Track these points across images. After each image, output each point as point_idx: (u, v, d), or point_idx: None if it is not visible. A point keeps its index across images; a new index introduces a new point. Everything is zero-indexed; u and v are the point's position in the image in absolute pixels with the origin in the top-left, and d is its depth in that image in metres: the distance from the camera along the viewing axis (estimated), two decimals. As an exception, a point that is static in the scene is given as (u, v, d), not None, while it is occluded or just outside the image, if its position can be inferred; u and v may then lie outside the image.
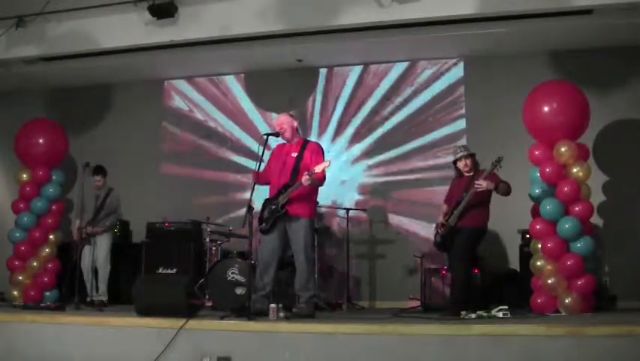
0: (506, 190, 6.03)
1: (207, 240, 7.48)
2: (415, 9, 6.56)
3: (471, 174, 6.22)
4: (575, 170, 6.29)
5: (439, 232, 6.22)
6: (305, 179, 5.58)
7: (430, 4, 6.54)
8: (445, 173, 6.77)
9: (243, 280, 6.41)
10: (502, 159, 6.02)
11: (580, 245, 6.15)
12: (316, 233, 7.04)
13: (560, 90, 6.57)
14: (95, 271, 7.17)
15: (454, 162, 6.33)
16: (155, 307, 5.38)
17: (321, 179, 5.75)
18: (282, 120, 5.97)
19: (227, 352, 4.79)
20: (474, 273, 6.50)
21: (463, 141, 7.59)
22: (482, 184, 5.91)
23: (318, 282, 7.03)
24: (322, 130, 8.47)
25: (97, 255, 7.11)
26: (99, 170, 7.41)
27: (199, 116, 8.94)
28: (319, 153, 5.88)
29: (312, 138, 8.17)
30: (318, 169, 5.61)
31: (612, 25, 6.90)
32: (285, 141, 6.03)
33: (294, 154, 5.88)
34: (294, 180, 5.74)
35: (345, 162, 8.30)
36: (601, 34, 7.20)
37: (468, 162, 6.23)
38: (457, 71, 8.17)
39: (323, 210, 7.86)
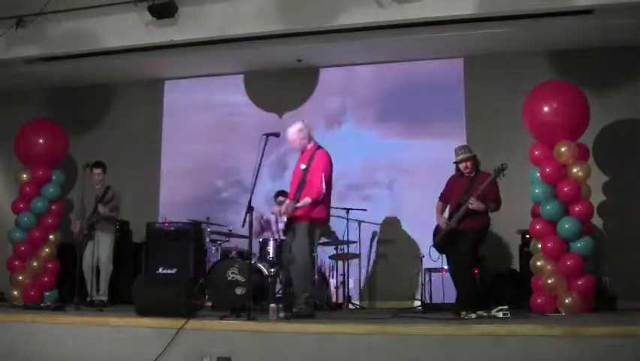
0: (495, 210, 6.17)
1: (207, 240, 7.47)
2: (415, 9, 6.57)
3: (472, 175, 6.24)
4: (575, 170, 6.29)
5: (445, 231, 6.22)
6: (287, 210, 5.74)
7: (430, 4, 6.55)
8: (445, 173, 6.76)
9: (243, 280, 6.41)
10: (506, 167, 5.99)
11: (580, 245, 6.15)
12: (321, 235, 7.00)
13: (559, 90, 6.57)
14: (96, 271, 7.16)
15: (456, 163, 6.35)
16: (155, 307, 5.37)
17: (314, 200, 5.71)
18: (292, 134, 5.95)
19: (227, 352, 4.79)
20: (474, 273, 6.50)
21: (463, 141, 7.57)
22: (474, 204, 5.98)
23: (317, 282, 7.02)
24: (321, 130, 8.46)
25: (100, 254, 7.11)
26: (99, 164, 7.44)
27: (199, 116, 8.93)
28: (320, 164, 5.80)
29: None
30: (300, 205, 5.72)
31: (612, 25, 6.90)
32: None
33: (303, 166, 5.91)
34: (300, 193, 5.80)
35: (344, 163, 8.30)
36: (601, 34, 7.21)
37: (469, 164, 6.25)
38: (457, 71, 8.17)
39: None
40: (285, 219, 5.93)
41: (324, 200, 5.85)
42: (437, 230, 6.45)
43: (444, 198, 6.45)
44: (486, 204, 6.04)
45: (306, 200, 5.74)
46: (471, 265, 6.18)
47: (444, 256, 6.68)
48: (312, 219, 5.81)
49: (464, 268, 6.11)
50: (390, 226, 8.00)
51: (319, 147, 5.96)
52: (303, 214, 5.77)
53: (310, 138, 5.99)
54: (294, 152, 6.33)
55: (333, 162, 5.89)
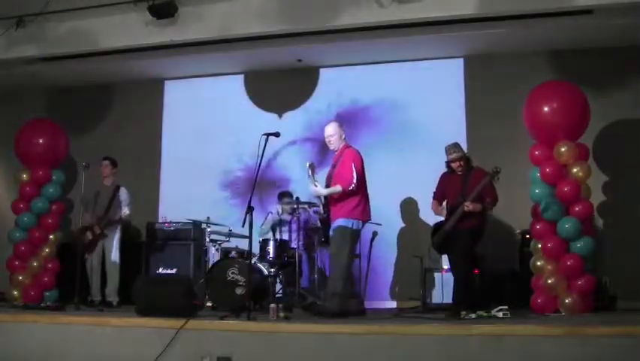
0: (491, 208, 6.19)
1: (207, 240, 7.47)
2: (415, 9, 6.58)
3: (464, 172, 6.24)
4: (575, 170, 6.29)
5: (443, 232, 6.22)
6: (316, 192, 6.07)
7: (430, 4, 6.55)
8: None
9: (243, 280, 6.41)
10: (499, 171, 5.97)
11: (580, 245, 6.15)
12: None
13: (560, 90, 6.57)
14: (101, 271, 7.16)
15: (447, 163, 6.35)
16: (155, 307, 5.38)
17: (344, 188, 5.87)
18: (329, 132, 6.14)
19: (227, 352, 4.79)
20: (474, 273, 6.50)
21: (463, 141, 7.57)
22: (470, 207, 5.97)
23: (318, 282, 7.01)
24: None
25: (106, 255, 7.12)
26: (109, 157, 7.50)
27: (199, 116, 8.92)
28: (348, 158, 5.96)
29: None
30: (329, 190, 5.99)
31: (612, 25, 6.89)
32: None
33: (333, 162, 6.15)
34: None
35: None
36: (601, 34, 7.20)
37: (461, 162, 6.24)
38: (457, 71, 8.17)
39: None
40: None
41: (358, 197, 5.92)
42: (435, 230, 6.44)
43: (437, 196, 6.44)
44: (482, 204, 6.04)
45: (337, 187, 5.92)
46: (470, 264, 6.18)
47: (445, 256, 6.68)
48: (347, 217, 5.89)
49: (463, 268, 6.10)
50: (390, 226, 7.98)
51: (349, 146, 6.15)
52: (341, 216, 5.90)
53: (344, 138, 6.17)
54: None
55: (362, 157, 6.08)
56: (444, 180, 6.44)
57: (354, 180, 5.85)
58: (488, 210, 6.16)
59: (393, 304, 7.59)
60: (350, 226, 5.89)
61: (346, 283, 6.00)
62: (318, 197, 6.22)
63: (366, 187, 6.09)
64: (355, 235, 5.98)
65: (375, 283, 7.98)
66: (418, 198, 7.91)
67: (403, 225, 8.05)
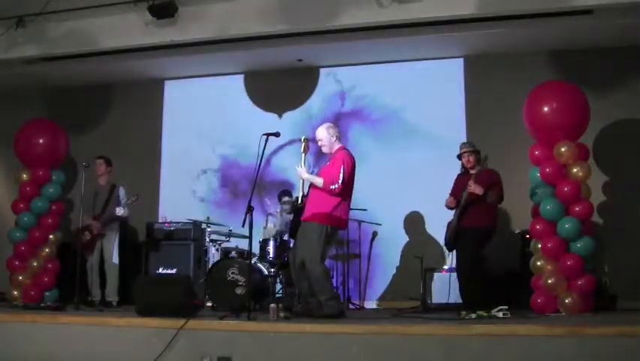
0: (496, 199, 6.18)
1: (207, 240, 7.47)
2: (415, 9, 6.58)
3: (474, 171, 6.27)
4: (575, 170, 6.29)
5: (452, 229, 6.25)
6: (301, 173, 5.81)
7: (431, 4, 6.56)
8: (444, 173, 6.79)
9: (243, 280, 6.41)
10: (486, 158, 6.13)
11: (580, 245, 6.15)
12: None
13: (559, 90, 6.57)
14: (100, 271, 7.16)
15: (459, 157, 6.41)
16: (155, 307, 5.38)
17: (325, 185, 5.65)
18: (318, 136, 5.92)
19: (227, 352, 4.79)
20: (481, 272, 6.50)
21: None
22: (471, 186, 6.02)
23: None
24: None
25: (104, 254, 7.12)
26: (103, 156, 7.47)
27: (199, 116, 8.92)
28: (338, 159, 5.74)
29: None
30: (313, 177, 5.77)
31: (612, 25, 6.90)
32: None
33: (327, 162, 5.96)
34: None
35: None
36: (601, 34, 7.21)
37: (471, 158, 6.29)
38: (457, 71, 8.17)
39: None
40: (292, 218, 5.93)
41: (337, 201, 5.68)
42: (448, 227, 6.46)
43: (453, 193, 6.50)
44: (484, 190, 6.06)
45: (319, 179, 5.69)
46: (475, 264, 6.16)
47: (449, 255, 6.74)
48: (325, 220, 5.66)
49: (467, 268, 6.11)
50: (390, 226, 7.98)
51: (344, 149, 5.94)
52: (315, 213, 5.67)
53: (338, 140, 5.94)
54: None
55: (355, 163, 5.82)
56: (457, 180, 6.52)
57: (339, 183, 5.61)
58: (491, 200, 6.16)
59: (392, 305, 7.57)
60: (325, 230, 5.66)
61: (331, 283, 5.91)
62: (302, 180, 5.93)
63: (350, 194, 5.84)
64: (326, 237, 5.69)
65: (375, 283, 7.98)
66: (418, 198, 7.90)
67: (403, 225, 8.04)
